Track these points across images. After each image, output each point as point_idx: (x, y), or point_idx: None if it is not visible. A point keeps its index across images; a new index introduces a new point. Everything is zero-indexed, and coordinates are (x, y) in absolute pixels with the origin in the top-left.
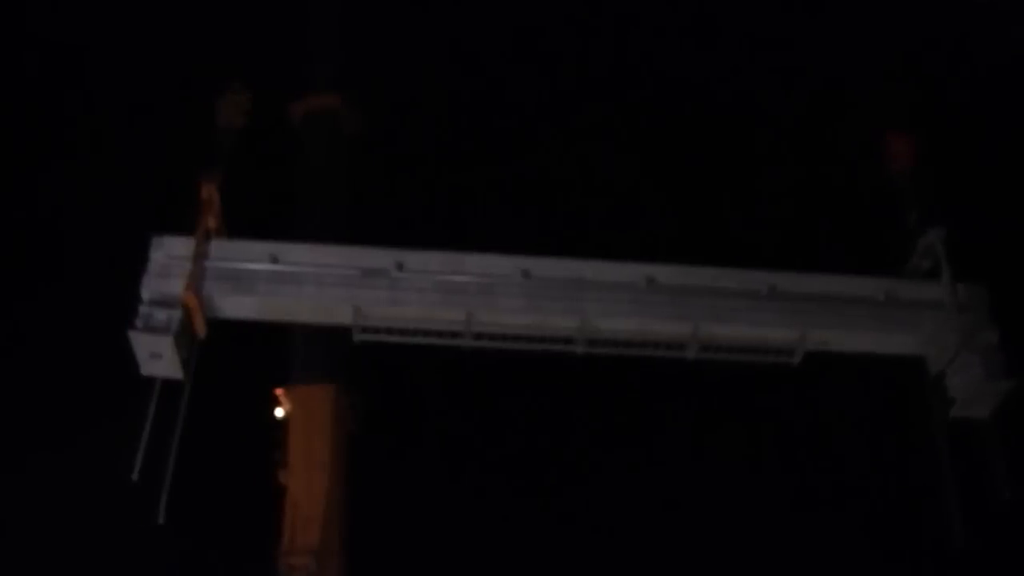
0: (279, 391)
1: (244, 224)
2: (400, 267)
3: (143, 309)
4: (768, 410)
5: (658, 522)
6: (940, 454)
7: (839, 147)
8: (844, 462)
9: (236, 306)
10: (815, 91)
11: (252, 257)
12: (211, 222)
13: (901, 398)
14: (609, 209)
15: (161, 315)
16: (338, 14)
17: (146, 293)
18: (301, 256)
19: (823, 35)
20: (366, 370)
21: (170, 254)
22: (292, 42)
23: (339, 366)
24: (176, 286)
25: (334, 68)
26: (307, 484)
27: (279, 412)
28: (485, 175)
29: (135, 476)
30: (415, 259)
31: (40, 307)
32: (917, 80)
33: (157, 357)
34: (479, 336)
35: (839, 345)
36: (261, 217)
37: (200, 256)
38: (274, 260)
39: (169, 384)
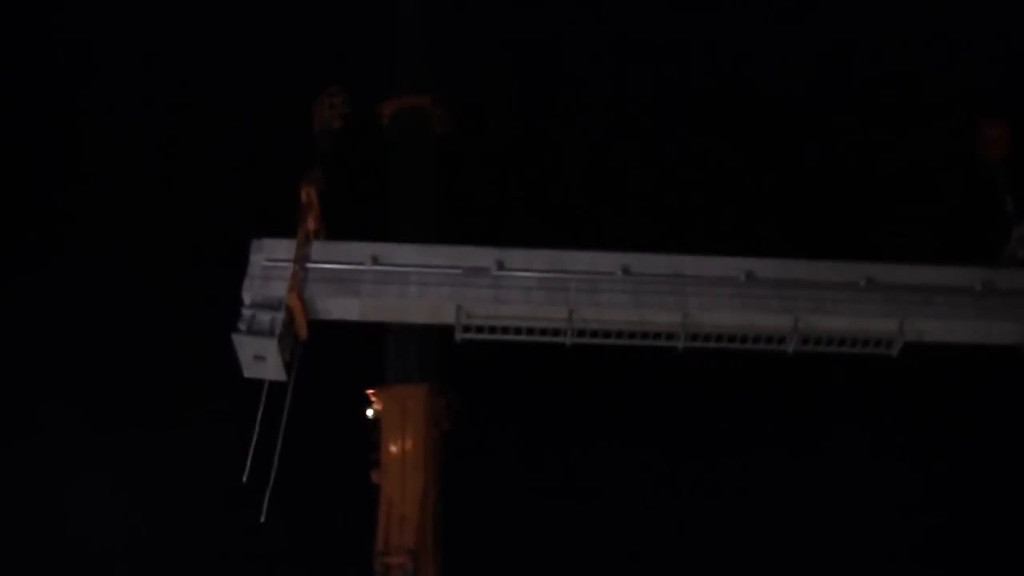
0: (370, 391)
1: (340, 225)
2: (501, 265)
3: (246, 312)
4: (866, 401)
5: (755, 520)
6: None
7: (934, 134)
8: (942, 455)
9: (339, 307)
10: (912, 78)
11: (353, 258)
12: (311, 224)
13: (998, 388)
14: (704, 203)
15: (265, 318)
16: (425, 15)
17: (248, 296)
18: (402, 256)
19: (918, 23)
20: (461, 370)
21: (270, 257)
22: (387, 43)
23: (433, 366)
24: (279, 289)
25: (422, 68)
26: (401, 483)
27: (370, 412)
28: (573, 172)
29: (245, 478)
30: (516, 257)
31: (142, 313)
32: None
33: (261, 359)
34: (580, 333)
35: (937, 335)
36: (357, 218)
37: (301, 258)
38: (375, 261)
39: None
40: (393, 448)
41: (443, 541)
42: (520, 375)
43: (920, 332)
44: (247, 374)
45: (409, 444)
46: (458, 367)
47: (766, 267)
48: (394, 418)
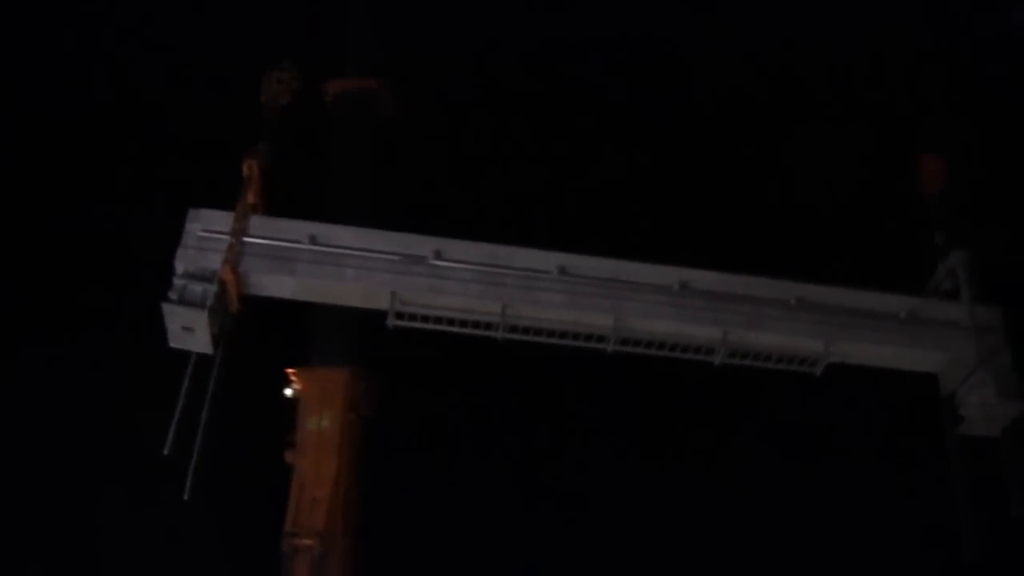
0: (291, 371)
1: (280, 202)
2: (439, 255)
3: (177, 281)
4: (782, 419)
5: (663, 521)
6: (952, 469)
7: (879, 164)
8: (856, 474)
9: (273, 284)
10: (857, 104)
11: (291, 236)
12: (251, 198)
13: (913, 413)
14: (645, 211)
15: (196, 288)
16: None
17: (180, 265)
18: (341, 238)
19: (864, 52)
20: (387, 357)
21: (207, 228)
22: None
23: (357, 350)
24: (213, 260)
25: (370, 51)
26: (315, 466)
27: (289, 392)
28: (519, 167)
29: (167, 451)
30: (455, 248)
31: (68, 283)
32: (956, 102)
33: (189, 331)
34: (513, 328)
35: (860, 358)
36: (297, 195)
37: (239, 232)
38: (313, 240)
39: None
40: (309, 430)
41: (357, 527)
42: (448, 365)
43: (845, 354)
44: (173, 344)
45: (326, 427)
46: (386, 353)
47: (701, 279)
48: (313, 400)
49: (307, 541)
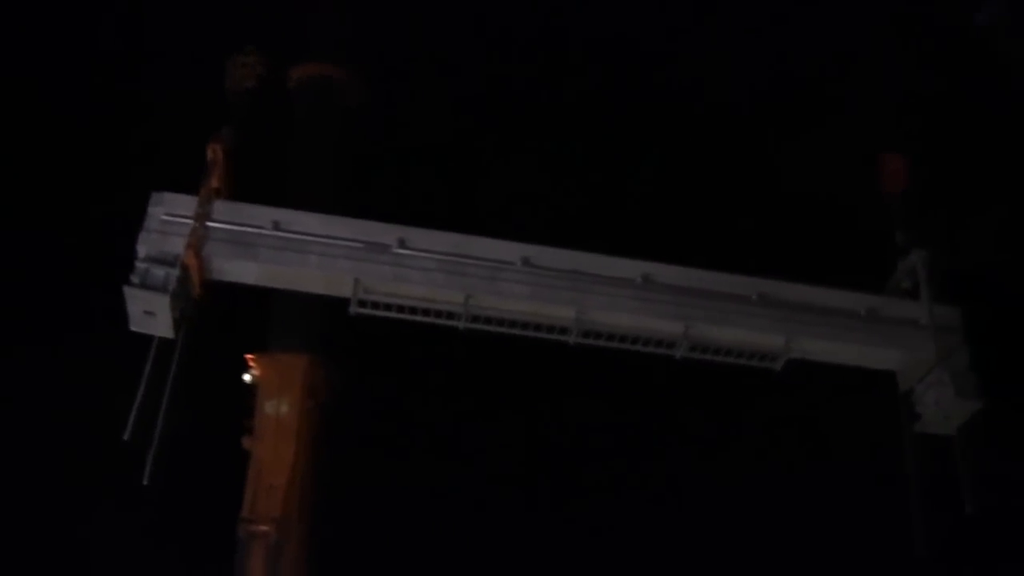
0: (250, 356)
1: (243, 187)
2: (403, 243)
3: (140, 265)
4: (741, 413)
5: (621, 509)
6: (907, 466)
7: (843, 162)
8: (812, 468)
9: (236, 270)
10: (822, 103)
11: (255, 221)
12: (215, 182)
13: (871, 410)
14: (610, 203)
15: (159, 273)
16: None
17: (143, 249)
18: (305, 224)
19: (831, 49)
20: (348, 345)
21: (170, 211)
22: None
23: (317, 337)
24: (176, 244)
25: (336, 37)
26: (273, 452)
27: (247, 377)
28: (482, 158)
29: (127, 436)
30: (419, 237)
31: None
32: (920, 101)
33: (150, 315)
34: (475, 318)
35: (820, 355)
36: (260, 181)
37: (203, 216)
38: (277, 226)
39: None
40: (267, 416)
41: (314, 514)
42: (409, 354)
43: (805, 350)
44: (134, 328)
45: (284, 413)
46: (346, 341)
47: (663, 273)
48: (271, 385)
49: (263, 528)
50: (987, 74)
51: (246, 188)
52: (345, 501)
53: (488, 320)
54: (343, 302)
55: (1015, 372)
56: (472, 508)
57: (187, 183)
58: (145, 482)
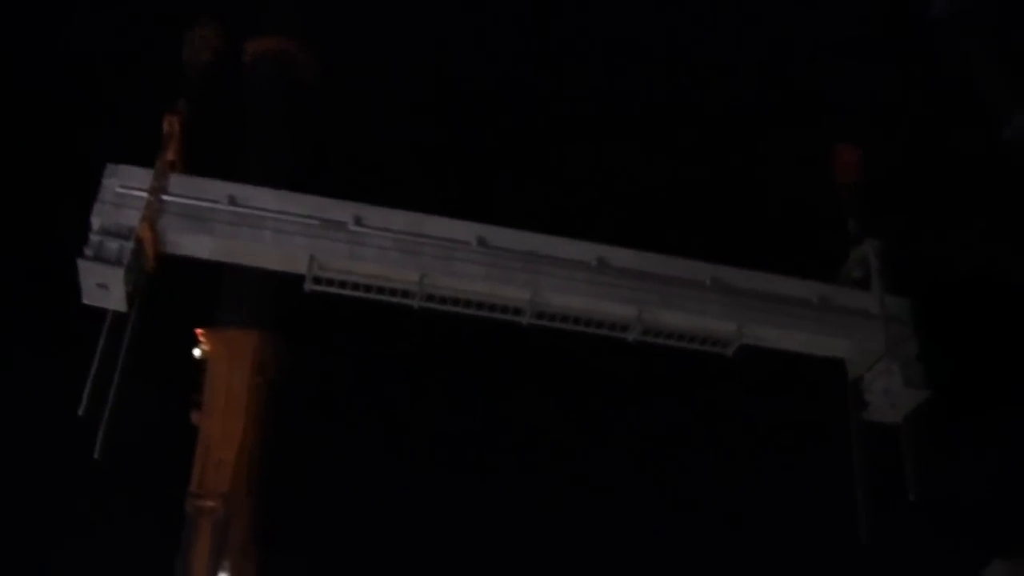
0: (200, 331)
1: (197, 161)
2: (359, 221)
3: (93, 238)
4: (689, 399)
5: (570, 487)
6: (854, 453)
7: (798, 152)
8: (759, 455)
9: (191, 244)
10: (780, 95)
11: (210, 196)
12: (171, 155)
13: (820, 397)
14: (567, 186)
15: (113, 245)
16: None
17: (97, 221)
18: (260, 200)
19: (790, 41)
20: (299, 321)
21: (124, 184)
22: None
23: (268, 313)
24: (130, 217)
25: (292, 12)
26: (222, 427)
27: (197, 352)
28: (444, 136)
29: (81, 412)
30: (375, 215)
31: None
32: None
33: (103, 288)
34: (430, 298)
35: (771, 342)
36: (214, 155)
37: (158, 189)
38: (232, 201)
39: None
40: (216, 391)
41: (261, 490)
42: (362, 332)
43: (757, 336)
44: (87, 301)
45: (233, 388)
46: (297, 317)
47: (618, 256)
48: (221, 361)
49: (211, 503)
50: (942, 67)
51: (200, 161)
52: (293, 477)
53: (443, 300)
54: (294, 278)
55: (962, 363)
56: (420, 484)
57: (141, 156)
58: (96, 456)
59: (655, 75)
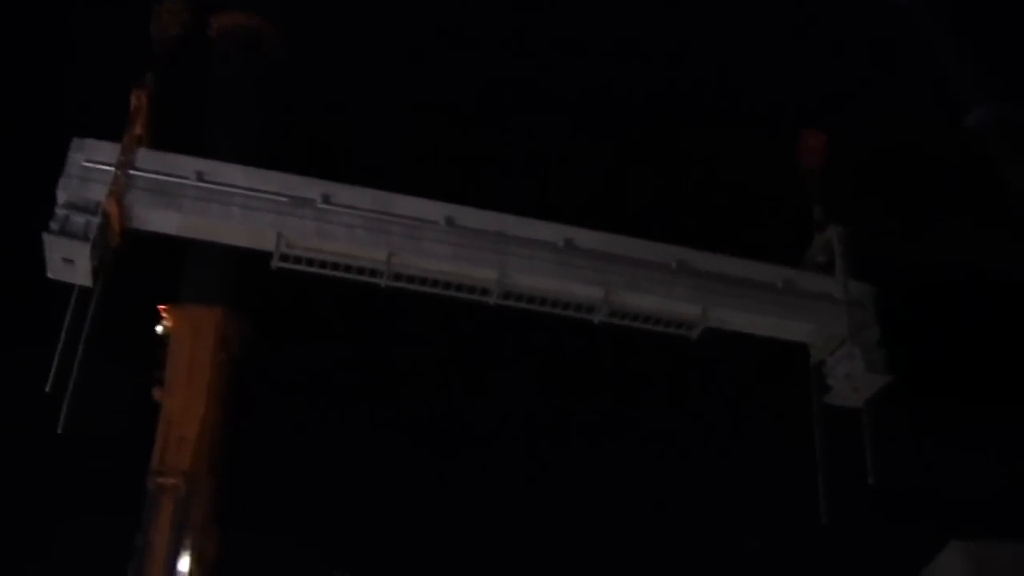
0: (163, 307)
1: (163, 136)
2: (327, 199)
3: (59, 212)
4: (652, 381)
5: (534, 470)
6: (816, 436)
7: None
8: (723, 437)
9: (158, 219)
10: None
11: (178, 171)
12: (138, 130)
13: (782, 380)
14: (536, 167)
15: (79, 220)
16: None
17: (63, 195)
18: (228, 176)
19: (754, 30)
20: (263, 298)
21: (91, 158)
22: None
23: (231, 290)
24: (97, 192)
25: None
26: (184, 404)
27: (160, 329)
28: (411, 116)
29: (48, 388)
30: (343, 193)
31: None
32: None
33: (69, 263)
34: (397, 277)
35: (735, 325)
36: (181, 130)
37: (125, 164)
38: (200, 177)
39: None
40: (179, 368)
41: (221, 468)
42: (325, 311)
43: (721, 320)
44: (51, 275)
45: (196, 365)
46: (262, 294)
47: (585, 238)
48: (184, 337)
49: (172, 480)
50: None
51: (166, 136)
52: (254, 455)
53: (410, 279)
54: (257, 254)
55: (923, 349)
56: (379, 463)
57: (105, 129)
58: (60, 431)
59: (624, 62)
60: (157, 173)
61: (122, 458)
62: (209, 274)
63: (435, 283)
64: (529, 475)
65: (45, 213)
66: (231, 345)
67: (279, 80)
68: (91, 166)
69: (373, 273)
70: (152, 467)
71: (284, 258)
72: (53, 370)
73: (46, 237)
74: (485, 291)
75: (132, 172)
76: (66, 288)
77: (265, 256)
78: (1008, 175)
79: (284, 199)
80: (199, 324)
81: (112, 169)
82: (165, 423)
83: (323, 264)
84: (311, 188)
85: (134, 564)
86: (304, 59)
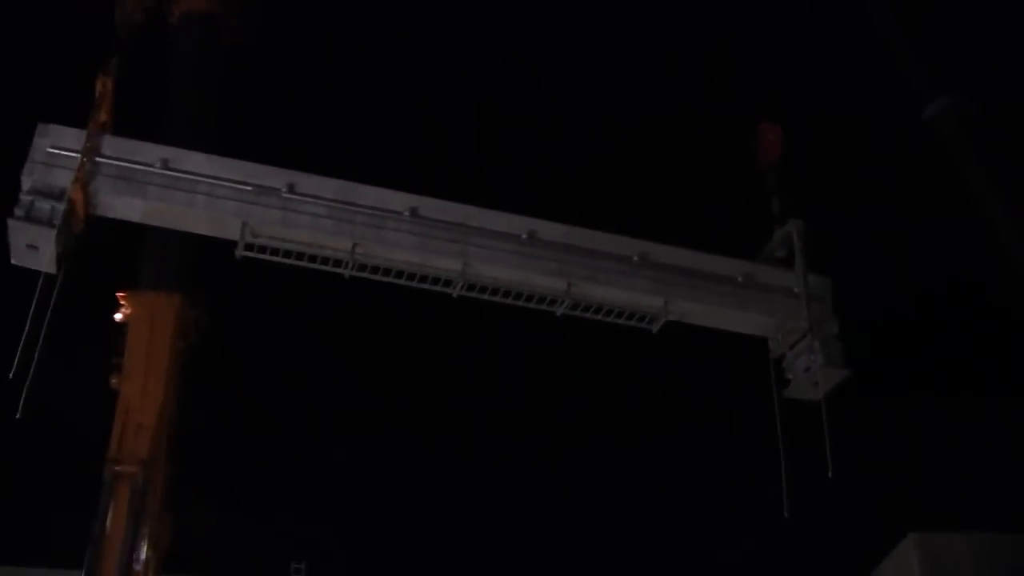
0: (121, 294)
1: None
2: (292, 188)
3: (24, 198)
4: (613, 374)
5: (500, 457)
6: (777, 429)
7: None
8: (684, 431)
9: (123, 206)
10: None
11: (143, 158)
12: (104, 116)
13: (742, 374)
14: (500, 158)
15: (44, 206)
16: None
17: (28, 181)
18: (193, 164)
19: (716, 21)
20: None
21: (56, 144)
22: None
23: (188, 276)
24: (62, 178)
25: None
26: (142, 392)
27: (118, 316)
28: (375, 104)
29: (12, 375)
30: (308, 183)
31: None
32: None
33: (33, 249)
34: (362, 267)
35: (696, 318)
36: (139, 116)
37: (91, 150)
38: (165, 165)
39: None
40: (137, 355)
41: (176, 456)
42: (284, 299)
43: (683, 313)
44: (15, 261)
45: (154, 352)
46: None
47: (548, 230)
48: (142, 324)
49: (129, 468)
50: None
51: (127, 123)
52: (209, 443)
53: (374, 269)
54: (216, 242)
55: (881, 342)
56: (332, 449)
57: (66, 116)
58: (18, 416)
59: (590, 61)
60: (122, 160)
61: (78, 446)
62: (167, 260)
63: (399, 274)
64: (495, 467)
65: (6, 199)
66: (189, 332)
67: (240, 66)
68: (56, 152)
69: (337, 263)
70: (109, 455)
71: (249, 247)
72: (17, 356)
73: (11, 223)
74: (449, 282)
75: (97, 159)
76: (21, 274)
77: (224, 243)
78: (963, 168)
79: (248, 188)
80: (158, 311)
81: (77, 155)
82: (123, 410)
83: (287, 253)
84: (276, 177)
85: (90, 552)
86: (266, 44)
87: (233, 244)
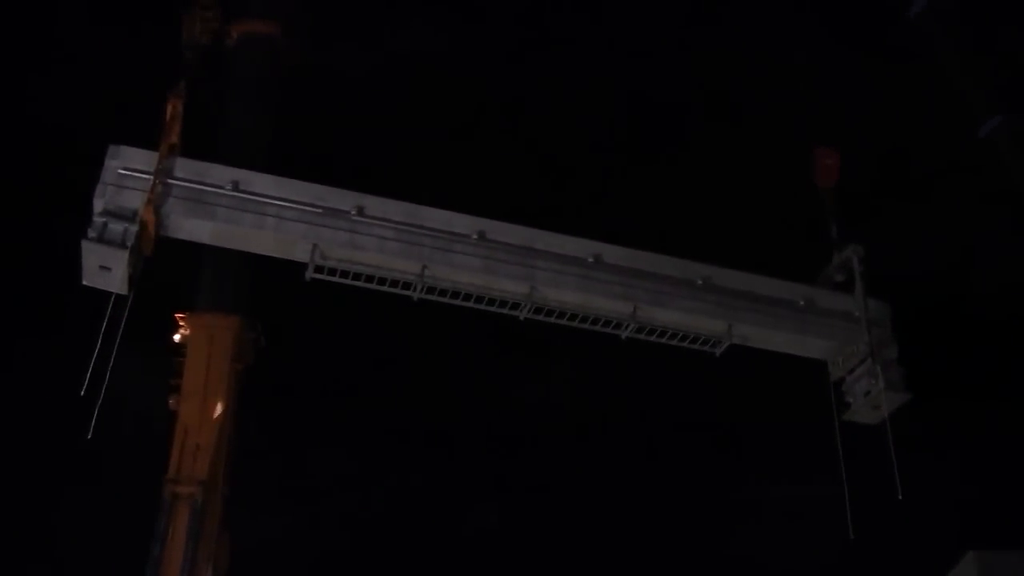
0: (180, 315)
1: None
2: (361, 211)
3: (97, 219)
4: (676, 397)
5: (540, 476)
6: (838, 452)
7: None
8: (752, 453)
9: (193, 228)
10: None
11: (213, 180)
12: (173, 138)
13: (803, 398)
14: (566, 182)
15: (117, 228)
16: None
17: (100, 203)
18: (263, 186)
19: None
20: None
21: (127, 166)
22: None
23: (246, 298)
24: (133, 199)
25: None
26: (200, 412)
27: (177, 337)
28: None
29: (83, 392)
30: (376, 205)
31: None
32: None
33: (106, 270)
34: (430, 290)
35: (758, 342)
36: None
37: (162, 172)
38: (236, 187)
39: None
40: (195, 376)
41: (232, 475)
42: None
43: (745, 336)
44: (87, 282)
45: (212, 374)
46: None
47: (613, 253)
48: (200, 346)
49: (188, 489)
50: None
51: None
52: (266, 465)
53: (442, 292)
54: (273, 263)
55: (940, 367)
56: (390, 473)
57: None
58: (89, 436)
59: (651, 78)
60: (192, 182)
61: (137, 466)
62: (228, 281)
63: (467, 297)
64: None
65: (67, 219)
66: (247, 353)
67: (300, 87)
68: (127, 173)
69: (406, 286)
70: (168, 475)
71: (318, 270)
72: (88, 375)
73: (84, 244)
74: (516, 305)
75: (169, 180)
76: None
77: (281, 265)
78: (1021, 185)
79: (318, 210)
80: (215, 332)
81: (148, 177)
82: (181, 431)
83: (356, 276)
84: (344, 199)
85: (149, 572)
86: (326, 67)
87: (293, 267)
